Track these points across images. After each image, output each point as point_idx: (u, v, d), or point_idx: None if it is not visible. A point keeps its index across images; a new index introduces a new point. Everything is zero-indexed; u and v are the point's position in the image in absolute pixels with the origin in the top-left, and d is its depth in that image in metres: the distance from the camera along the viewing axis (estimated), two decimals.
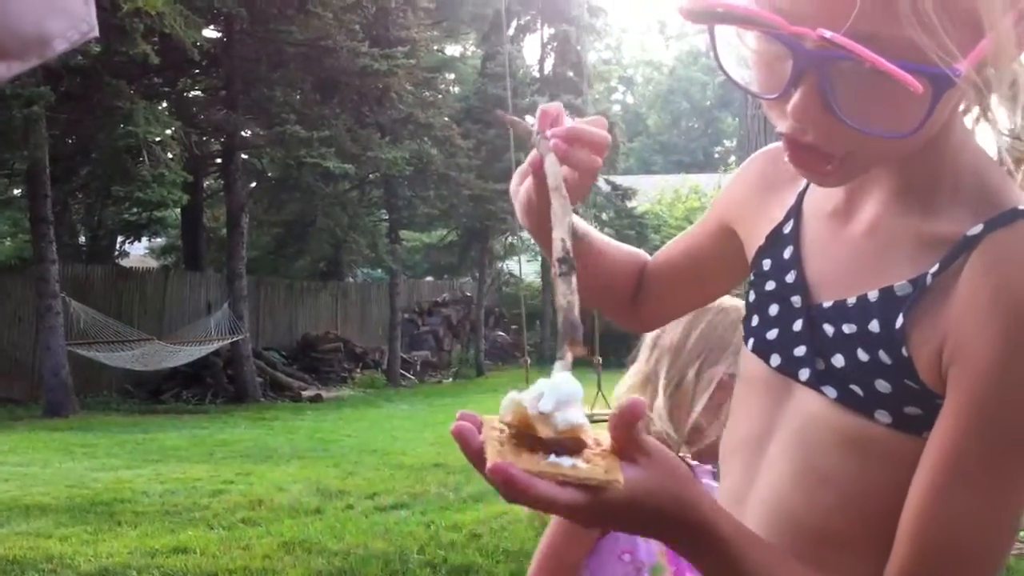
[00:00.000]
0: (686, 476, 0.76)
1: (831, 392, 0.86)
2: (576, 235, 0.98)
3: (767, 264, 0.99)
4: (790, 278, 0.94)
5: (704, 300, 1.26)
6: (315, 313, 20.62)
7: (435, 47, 21.16)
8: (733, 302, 1.58)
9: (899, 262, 0.84)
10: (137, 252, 23.67)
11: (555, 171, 0.93)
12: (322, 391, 16.94)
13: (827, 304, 0.89)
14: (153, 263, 22.59)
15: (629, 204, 23.70)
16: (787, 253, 0.96)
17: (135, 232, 22.45)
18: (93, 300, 14.86)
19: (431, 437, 10.45)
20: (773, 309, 0.95)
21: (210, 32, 16.14)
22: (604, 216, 23.03)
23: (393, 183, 18.51)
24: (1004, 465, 0.76)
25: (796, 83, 0.76)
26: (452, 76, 22.87)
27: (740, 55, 0.82)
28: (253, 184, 18.27)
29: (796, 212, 0.98)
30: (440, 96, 19.83)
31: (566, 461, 0.70)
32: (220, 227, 20.15)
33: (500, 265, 24.89)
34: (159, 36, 13.07)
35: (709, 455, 1.55)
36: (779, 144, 0.86)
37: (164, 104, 16.51)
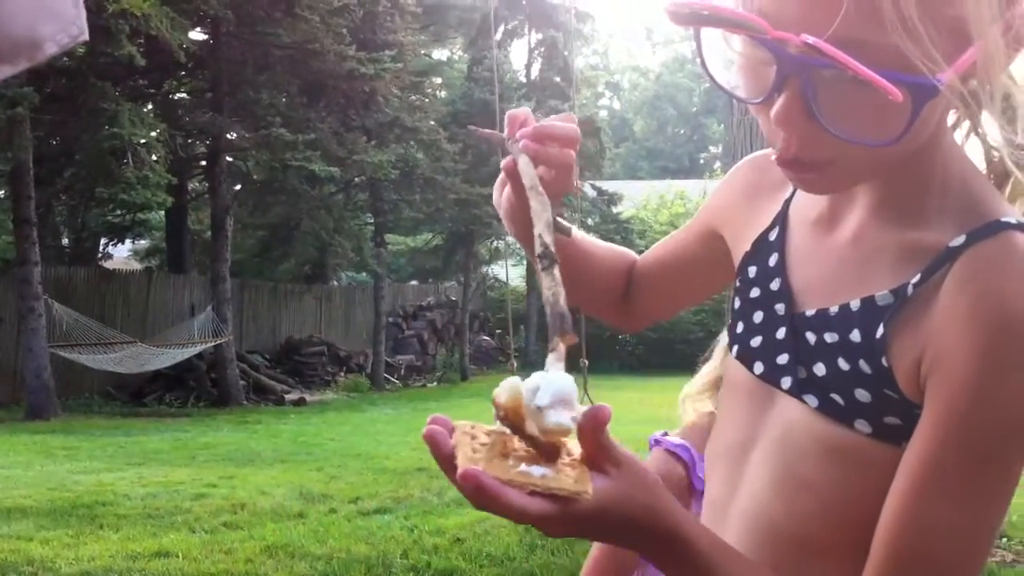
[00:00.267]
0: (656, 485, 0.76)
1: (812, 401, 0.86)
2: (561, 230, 0.99)
3: (753, 271, 0.99)
4: (775, 285, 0.95)
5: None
6: (299, 316, 20.56)
7: (422, 51, 21.15)
8: None
9: (881, 272, 0.84)
10: (121, 254, 23.56)
11: (529, 172, 0.93)
12: (306, 394, 16.89)
13: (810, 312, 0.89)
14: (137, 265, 22.50)
15: (615, 209, 23.76)
16: (772, 260, 0.96)
17: (119, 234, 22.35)
18: (76, 302, 14.77)
19: (415, 441, 10.43)
20: (757, 316, 0.96)
21: (196, 34, 16.08)
22: (590, 221, 23.06)
23: (379, 187, 18.49)
24: (980, 475, 0.76)
25: (780, 88, 0.76)
26: (439, 80, 22.86)
27: (726, 59, 0.82)
28: (238, 187, 18.21)
29: (782, 219, 0.98)
30: (427, 100, 19.83)
31: (536, 470, 0.70)
32: (204, 229, 20.09)
33: (485, 269, 24.90)
34: (145, 38, 13.03)
35: None
36: (767, 151, 0.86)
37: (149, 106, 16.44)
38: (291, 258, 21.68)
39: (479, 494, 0.68)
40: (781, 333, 0.92)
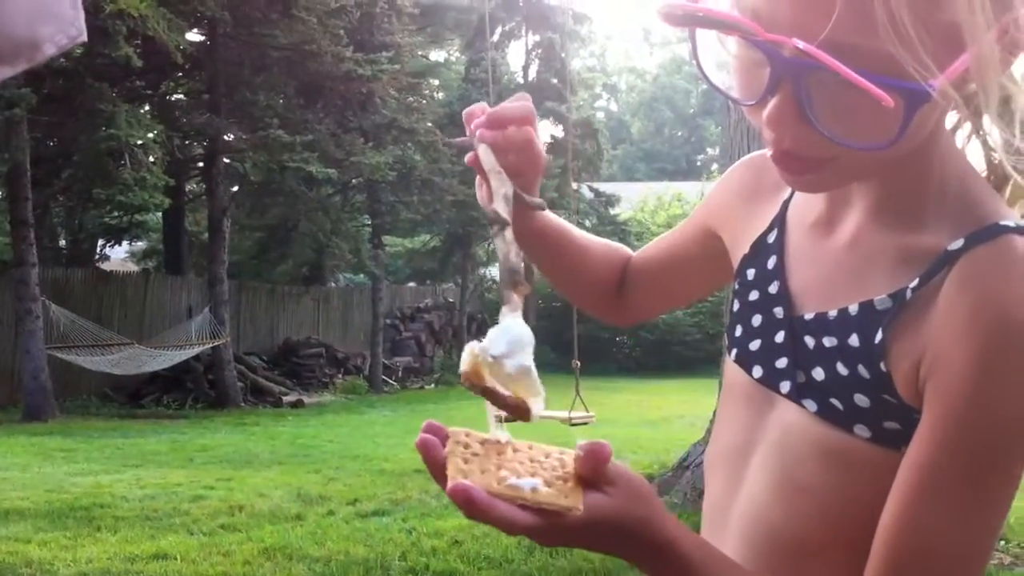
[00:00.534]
0: (651, 496, 0.76)
1: (811, 405, 0.86)
2: (533, 205, 1.01)
3: (751, 274, 0.99)
4: (773, 289, 0.94)
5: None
6: (297, 318, 20.55)
7: (419, 52, 21.16)
8: None
9: (880, 276, 0.84)
10: (118, 256, 23.55)
11: (488, 158, 0.96)
12: (303, 396, 16.88)
13: (809, 316, 0.89)
14: (134, 267, 22.48)
15: (612, 211, 23.77)
16: (771, 263, 0.96)
17: (116, 236, 22.35)
18: (73, 304, 14.76)
19: (413, 443, 10.40)
20: (756, 320, 0.96)
21: (193, 35, 16.07)
22: (587, 223, 23.05)
23: (376, 188, 18.48)
24: (980, 480, 0.76)
25: (773, 91, 0.75)
26: (436, 82, 22.87)
27: (721, 60, 0.82)
28: (235, 188, 18.20)
29: (780, 222, 0.98)
30: (424, 101, 19.83)
31: (527, 483, 0.70)
32: (202, 231, 20.08)
33: (483, 271, 24.90)
34: (142, 39, 13.02)
35: None
36: (763, 152, 0.86)
37: (146, 107, 16.43)
38: (289, 260, 21.67)
39: (469, 506, 0.69)
40: (780, 337, 0.91)
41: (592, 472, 0.73)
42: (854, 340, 0.83)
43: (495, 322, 0.76)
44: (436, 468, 0.72)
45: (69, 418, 13.38)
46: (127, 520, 6.54)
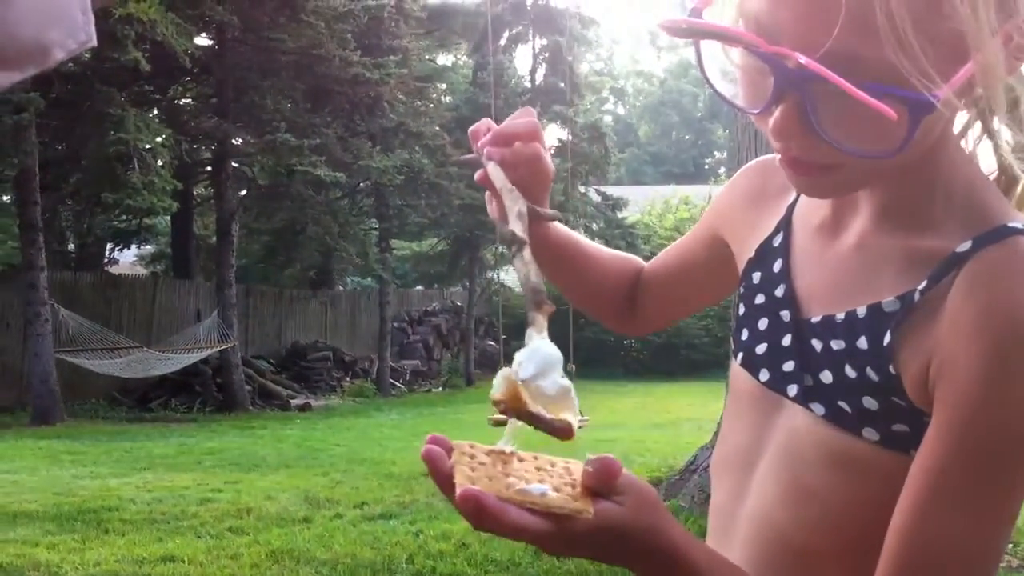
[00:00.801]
0: (658, 503, 0.76)
1: (819, 409, 0.85)
2: (545, 216, 1.01)
3: (757, 277, 0.99)
4: (779, 292, 0.94)
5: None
6: (304, 321, 20.58)
7: (427, 56, 21.19)
8: None
9: (887, 278, 0.84)
10: (126, 259, 23.63)
11: (498, 175, 0.96)
12: (311, 400, 16.90)
13: (816, 319, 0.89)
14: (142, 270, 22.54)
15: (619, 214, 23.73)
16: (777, 266, 0.96)
17: (124, 239, 22.43)
18: (82, 307, 14.80)
19: (420, 447, 10.39)
20: (763, 323, 0.95)
21: (202, 40, 16.12)
22: (594, 226, 23.03)
23: (384, 192, 18.50)
24: (988, 484, 0.75)
25: (778, 100, 0.75)
26: (444, 86, 22.89)
27: (725, 69, 0.82)
28: (243, 192, 18.23)
29: (786, 225, 0.98)
30: (431, 105, 19.84)
31: (536, 489, 0.70)
32: (210, 235, 20.12)
33: (490, 274, 24.89)
34: (150, 43, 13.05)
35: None
36: (770, 156, 0.86)
37: (155, 111, 16.46)
38: (296, 263, 21.71)
39: (479, 513, 0.67)
40: (787, 340, 0.91)
41: (603, 486, 0.72)
42: (862, 343, 0.83)
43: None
44: (442, 479, 0.72)
45: (77, 421, 13.41)
46: (135, 523, 6.55)
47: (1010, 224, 0.79)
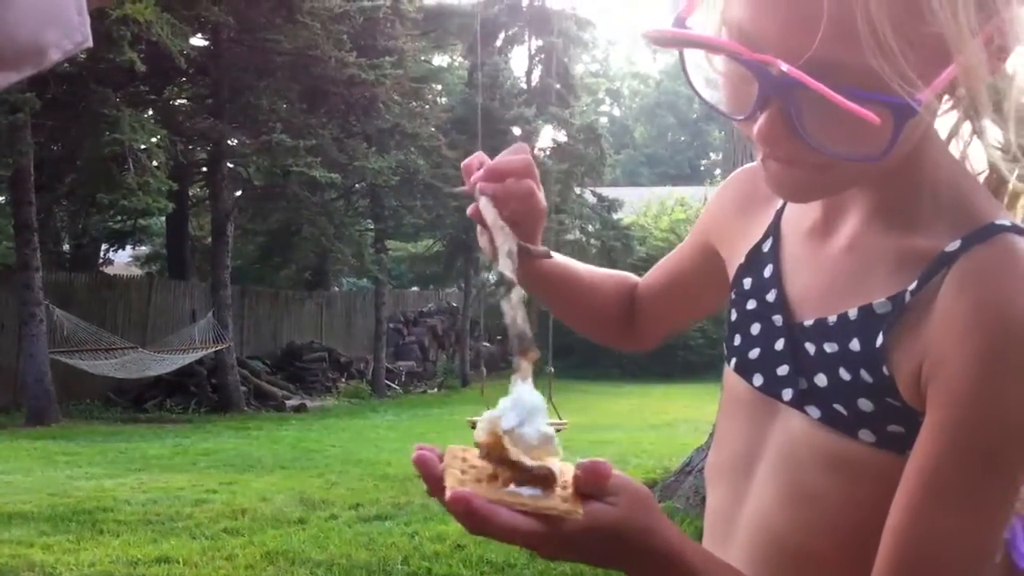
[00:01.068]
0: (652, 504, 0.76)
1: (815, 412, 0.86)
2: (537, 254, 1.01)
3: (748, 283, 0.99)
4: (771, 297, 0.95)
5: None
6: (300, 322, 20.57)
7: (422, 57, 21.18)
8: None
9: (878, 279, 0.84)
10: (121, 260, 23.61)
11: (490, 211, 0.96)
12: (306, 400, 16.88)
13: (808, 323, 0.89)
14: (137, 271, 22.52)
15: (615, 216, 23.72)
16: (767, 271, 0.96)
17: (119, 240, 22.41)
18: (77, 308, 14.77)
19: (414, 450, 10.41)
20: (755, 328, 0.96)
21: (197, 40, 16.11)
22: (590, 227, 23.05)
23: (379, 193, 18.50)
24: (984, 483, 0.76)
25: (762, 107, 0.76)
26: (439, 87, 22.87)
27: (710, 77, 0.82)
28: (239, 193, 18.22)
29: (775, 230, 0.98)
30: (427, 106, 19.84)
31: (526, 491, 0.70)
32: (205, 235, 20.12)
33: (486, 275, 24.90)
34: (146, 44, 13.04)
35: None
36: (754, 164, 0.87)
37: (150, 112, 16.44)
38: (292, 264, 21.71)
39: (469, 515, 0.67)
40: (780, 344, 0.91)
41: (595, 489, 0.72)
42: (855, 345, 0.83)
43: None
44: (434, 483, 0.71)
45: (72, 422, 13.39)
46: (130, 524, 6.54)
47: (998, 222, 0.79)
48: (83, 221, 20.24)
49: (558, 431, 0.74)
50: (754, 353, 0.95)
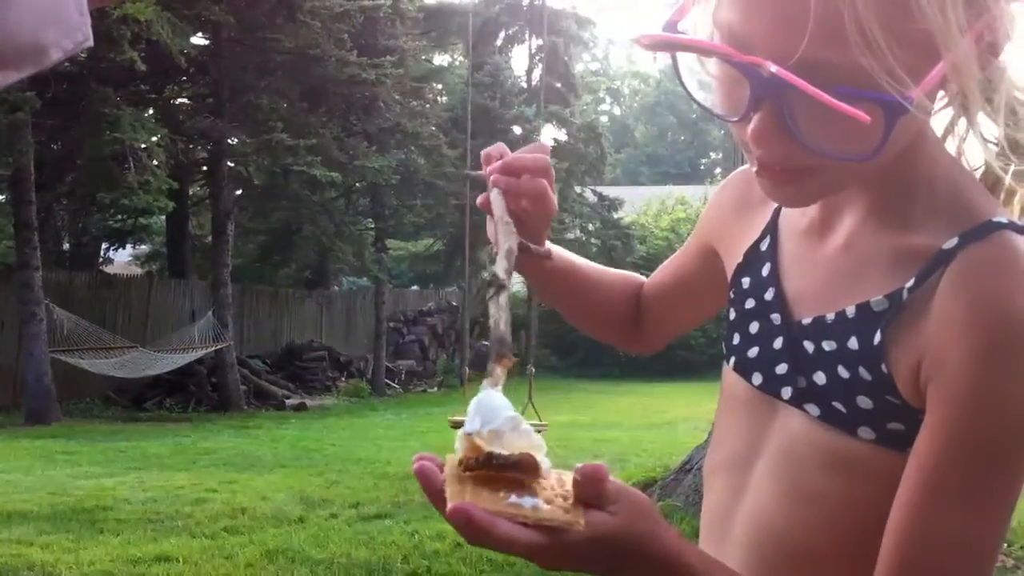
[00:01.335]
0: (652, 511, 0.75)
1: (814, 410, 0.86)
2: (538, 254, 1.01)
3: (746, 282, 0.99)
4: (769, 296, 0.95)
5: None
6: (300, 321, 20.56)
7: (423, 57, 21.17)
8: None
9: (875, 277, 0.84)
10: (121, 259, 23.59)
11: (499, 204, 0.97)
12: (306, 400, 16.88)
13: (806, 321, 0.89)
14: (137, 270, 22.51)
15: (615, 215, 23.73)
16: (765, 270, 0.97)
17: (119, 239, 22.39)
18: (77, 307, 14.77)
19: (416, 446, 10.40)
20: (753, 327, 0.96)
21: (198, 39, 16.09)
22: (590, 227, 23.05)
23: (380, 192, 18.49)
24: (983, 481, 0.76)
25: (755, 108, 0.76)
26: (440, 86, 22.87)
27: (703, 80, 0.82)
28: (239, 192, 18.21)
29: (773, 229, 0.98)
30: (427, 106, 19.83)
31: (527, 501, 0.69)
32: (205, 234, 20.11)
33: (486, 275, 24.89)
34: (146, 43, 13.04)
35: None
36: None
37: (150, 111, 16.43)
38: (292, 263, 21.71)
39: (469, 527, 0.67)
40: (778, 343, 0.91)
41: (593, 493, 0.71)
42: (853, 343, 0.83)
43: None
44: (435, 494, 0.71)
45: (72, 421, 13.39)
46: (130, 523, 6.54)
47: (995, 219, 0.79)
48: (83, 220, 20.25)
49: (538, 431, 0.74)
50: (753, 352, 0.95)
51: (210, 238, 17.57)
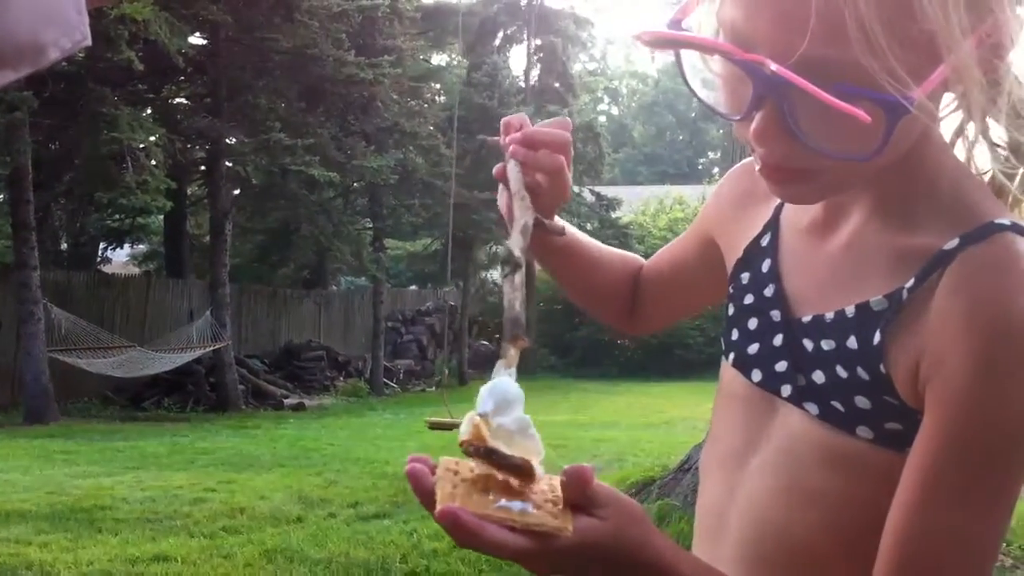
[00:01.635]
0: (642, 517, 0.75)
1: (813, 409, 0.86)
2: (552, 230, 0.99)
3: (746, 277, 0.99)
4: (768, 292, 0.94)
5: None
6: (298, 321, 20.55)
7: (421, 56, 21.16)
8: None
9: (875, 277, 0.84)
10: (119, 259, 23.58)
11: (516, 176, 0.95)
12: (304, 399, 16.87)
13: (806, 319, 0.89)
14: (135, 270, 22.50)
15: (613, 214, 23.73)
16: (765, 266, 0.96)
17: (117, 238, 22.39)
18: (75, 306, 14.76)
19: (414, 446, 10.41)
20: (752, 323, 0.96)
21: (195, 39, 16.09)
22: (588, 226, 23.00)
23: (378, 191, 18.48)
24: (983, 481, 0.75)
25: (757, 106, 0.76)
26: (438, 85, 22.87)
27: (706, 78, 0.82)
28: (237, 191, 18.19)
29: (774, 225, 0.98)
30: (425, 105, 19.82)
31: (516, 505, 0.69)
32: (203, 234, 20.10)
33: (484, 274, 24.88)
34: (144, 43, 13.03)
35: None
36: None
37: (148, 111, 16.42)
38: (290, 263, 21.70)
39: (457, 529, 0.67)
40: (778, 340, 0.91)
41: (579, 495, 0.71)
42: (852, 342, 0.83)
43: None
44: (425, 496, 0.71)
45: (70, 420, 13.38)
46: (128, 522, 6.54)
47: (997, 221, 0.79)
48: (81, 220, 20.23)
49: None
50: (752, 348, 0.94)
51: (208, 238, 17.55)
